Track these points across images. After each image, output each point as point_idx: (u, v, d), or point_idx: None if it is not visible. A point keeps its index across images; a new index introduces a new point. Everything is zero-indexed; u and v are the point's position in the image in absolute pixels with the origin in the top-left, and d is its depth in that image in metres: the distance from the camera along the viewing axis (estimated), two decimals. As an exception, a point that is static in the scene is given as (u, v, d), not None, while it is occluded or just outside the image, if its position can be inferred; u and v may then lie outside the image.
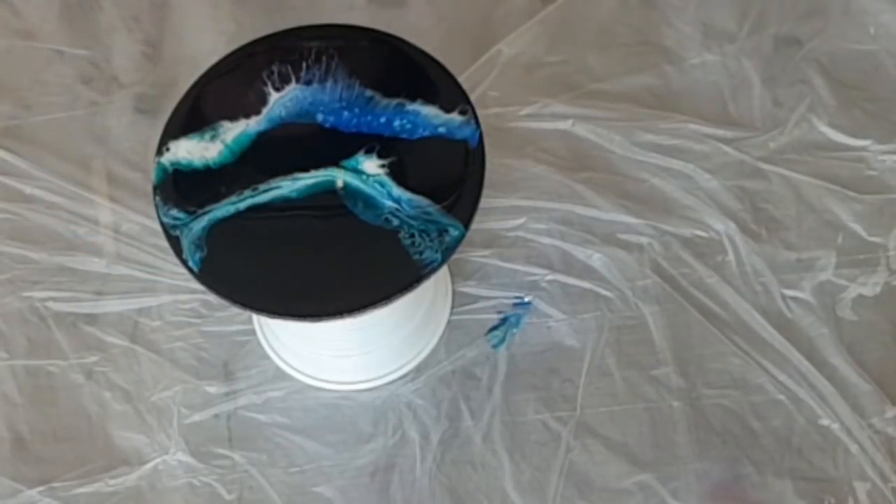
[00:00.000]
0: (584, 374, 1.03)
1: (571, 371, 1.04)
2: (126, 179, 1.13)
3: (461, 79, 0.94)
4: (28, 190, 1.13)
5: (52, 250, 1.10)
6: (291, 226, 0.81)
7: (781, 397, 1.02)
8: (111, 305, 1.08)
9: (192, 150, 0.83)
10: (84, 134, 1.16)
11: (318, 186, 0.81)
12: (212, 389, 1.04)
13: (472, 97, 0.86)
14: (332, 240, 0.80)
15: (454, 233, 0.80)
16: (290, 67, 0.85)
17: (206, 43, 1.20)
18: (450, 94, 0.84)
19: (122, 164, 1.14)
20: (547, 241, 1.09)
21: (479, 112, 0.84)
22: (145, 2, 1.23)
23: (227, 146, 0.83)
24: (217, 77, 0.86)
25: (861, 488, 0.98)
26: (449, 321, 1.06)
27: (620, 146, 1.12)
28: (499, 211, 1.10)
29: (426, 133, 0.83)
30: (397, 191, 0.81)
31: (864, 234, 1.08)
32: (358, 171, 0.81)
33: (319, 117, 0.83)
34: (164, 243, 0.82)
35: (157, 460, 1.01)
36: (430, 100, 0.84)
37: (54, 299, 1.08)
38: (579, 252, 1.08)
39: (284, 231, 0.81)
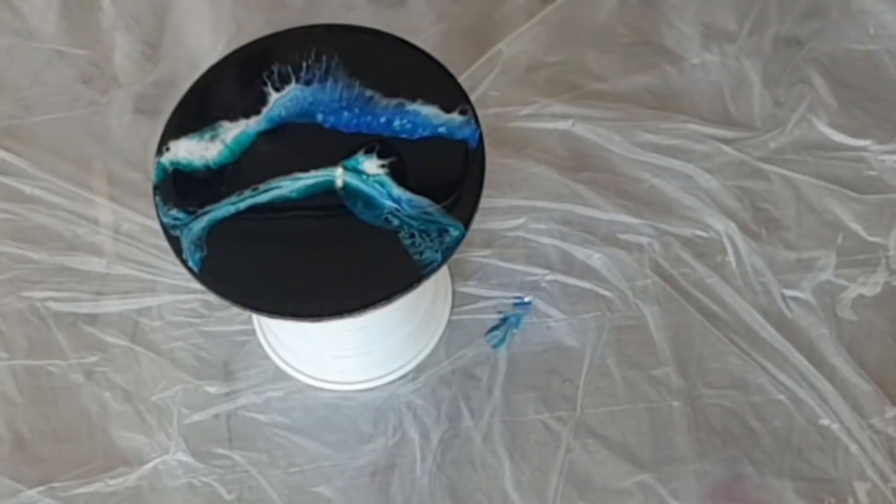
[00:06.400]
0: (584, 374, 1.03)
1: (571, 371, 1.04)
2: (126, 179, 1.13)
3: (461, 79, 0.94)
4: (28, 190, 1.13)
5: (52, 250, 1.10)
6: (291, 226, 0.81)
7: (781, 397, 1.02)
8: (111, 305, 1.08)
9: (192, 150, 0.83)
10: (84, 134, 1.16)
11: (318, 186, 0.81)
12: (212, 389, 1.04)
13: (472, 97, 0.86)
14: (332, 240, 0.80)
15: (454, 233, 0.80)
16: (290, 67, 0.85)
17: (206, 43, 1.20)
18: (450, 94, 0.84)
19: (122, 164, 1.14)
20: (547, 241, 1.09)
21: (479, 112, 0.84)
22: (145, 2, 1.23)
23: (227, 146, 0.83)
24: (217, 77, 0.86)
25: (861, 488, 0.98)
26: (449, 321, 1.06)
27: (620, 146, 1.12)
28: (499, 211, 1.10)
29: (426, 133, 0.83)
30: (397, 191, 0.81)
31: (864, 234, 1.08)
32: (358, 171, 0.81)
33: (319, 117, 0.83)
34: (164, 243, 0.82)
35: (157, 460, 1.01)
36: (430, 100, 0.84)
37: (54, 299, 1.08)
38: (579, 252, 1.08)
39: (284, 231, 0.81)
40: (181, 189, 0.82)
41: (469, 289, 1.07)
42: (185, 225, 0.81)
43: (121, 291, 1.08)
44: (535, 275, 1.08)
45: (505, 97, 1.15)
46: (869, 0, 1.19)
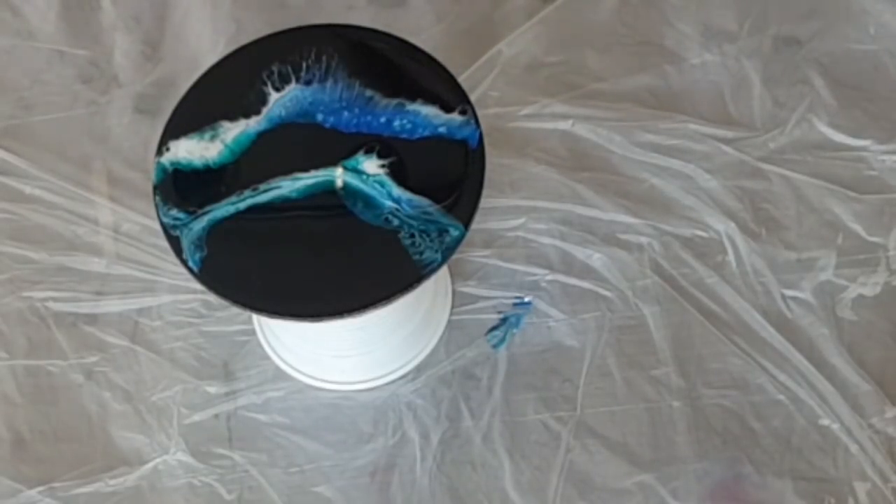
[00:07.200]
0: (584, 374, 1.03)
1: (571, 371, 1.04)
2: (126, 179, 1.13)
3: (461, 79, 0.94)
4: (28, 190, 1.13)
5: (52, 250, 1.10)
6: (291, 226, 0.81)
7: (781, 397, 1.02)
8: (111, 305, 1.08)
9: (192, 150, 0.83)
10: (84, 134, 1.16)
11: (318, 186, 0.81)
12: (212, 389, 1.04)
13: (472, 97, 0.86)
14: (332, 240, 0.80)
15: (454, 233, 0.80)
16: (290, 67, 0.85)
17: (206, 43, 1.20)
18: (450, 94, 0.84)
19: (122, 164, 1.14)
20: (547, 241, 1.09)
21: (479, 112, 0.84)
22: (145, 2, 1.23)
23: (227, 146, 0.83)
24: (217, 77, 0.86)
25: (861, 488, 0.98)
26: (449, 321, 1.06)
27: (620, 146, 1.12)
28: (499, 211, 1.10)
29: (426, 133, 0.83)
30: (397, 191, 0.81)
31: (864, 234, 1.08)
32: (358, 171, 0.81)
33: (319, 117, 0.83)
34: (164, 243, 0.82)
35: (157, 460, 1.01)
36: (430, 100, 0.84)
37: (54, 299, 1.08)
38: (579, 252, 1.08)
39: (284, 231, 0.81)
40: (181, 189, 0.82)
41: (469, 289, 1.07)
42: (185, 225, 0.81)
43: (121, 291, 1.08)
44: (535, 275, 1.08)
45: (505, 97, 1.15)
46: (869, 0, 1.19)
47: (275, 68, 0.85)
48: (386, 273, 0.79)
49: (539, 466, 1.00)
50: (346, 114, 0.83)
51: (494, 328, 1.06)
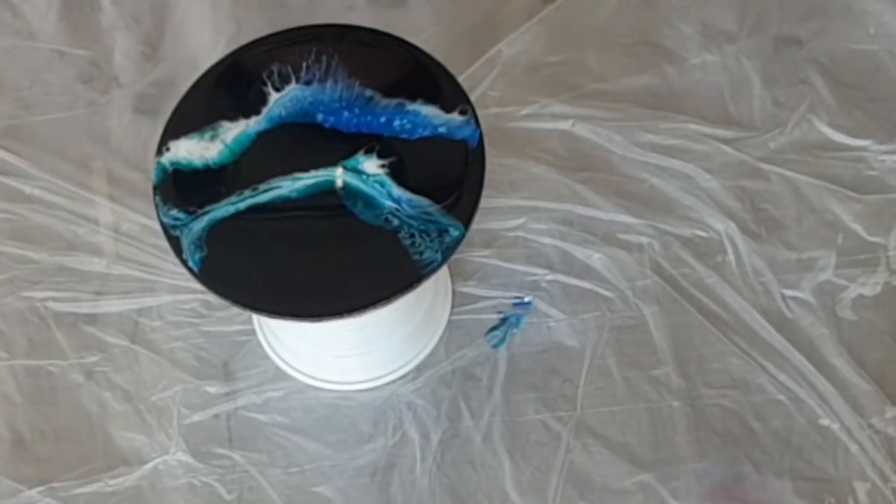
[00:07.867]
0: (584, 374, 1.03)
1: (571, 371, 1.04)
2: (126, 179, 1.13)
3: (461, 79, 0.94)
4: (28, 190, 1.13)
5: (52, 250, 1.10)
6: (291, 226, 0.81)
7: (781, 397, 1.02)
8: (111, 305, 1.08)
9: (192, 150, 0.83)
10: (84, 134, 1.16)
11: (318, 186, 0.81)
12: (212, 389, 1.04)
13: (472, 97, 0.86)
14: (332, 240, 0.80)
15: (454, 233, 0.80)
16: (290, 67, 0.85)
17: (206, 43, 1.20)
18: (450, 94, 0.84)
19: (122, 164, 1.14)
20: (547, 241, 1.09)
21: (479, 112, 0.84)
22: (145, 2, 1.23)
23: (227, 146, 0.83)
24: (217, 77, 0.86)
25: (861, 488, 0.98)
26: (449, 321, 1.06)
27: (620, 146, 1.12)
28: (499, 211, 1.10)
29: (426, 133, 0.83)
30: (397, 191, 0.81)
31: (864, 234, 1.08)
32: (358, 171, 0.81)
33: (319, 117, 0.83)
34: (164, 243, 0.82)
35: (157, 460, 1.01)
36: (430, 100, 0.84)
37: (54, 299, 1.08)
38: (579, 252, 1.08)
39: (284, 231, 0.81)
40: (181, 189, 0.82)
41: (469, 289, 1.07)
42: (185, 225, 0.81)
43: (121, 291, 1.08)
44: (535, 275, 1.08)
45: (505, 97, 1.15)
46: (869, 0, 1.19)
47: (275, 68, 0.85)
48: (386, 273, 0.79)
49: (539, 466, 1.00)
50: (346, 114, 0.83)
51: (494, 328, 1.06)
